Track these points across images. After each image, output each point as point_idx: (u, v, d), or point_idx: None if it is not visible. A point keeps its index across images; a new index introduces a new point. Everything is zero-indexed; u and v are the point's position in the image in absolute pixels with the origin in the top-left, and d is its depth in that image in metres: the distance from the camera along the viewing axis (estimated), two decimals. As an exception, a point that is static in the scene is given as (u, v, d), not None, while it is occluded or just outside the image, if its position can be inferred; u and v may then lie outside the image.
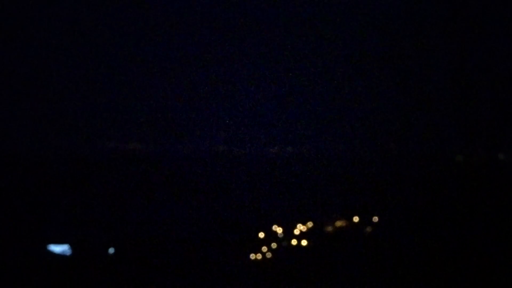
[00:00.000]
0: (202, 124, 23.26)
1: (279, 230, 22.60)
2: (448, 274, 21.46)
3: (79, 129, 22.72)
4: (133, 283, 21.91)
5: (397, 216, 22.91)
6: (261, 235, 22.49)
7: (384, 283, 21.89)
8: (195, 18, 22.99)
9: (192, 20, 23.00)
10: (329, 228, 22.69)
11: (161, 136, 23.25)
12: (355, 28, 23.82)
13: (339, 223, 22.73)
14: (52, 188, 23.11)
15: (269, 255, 22.36)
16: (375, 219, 22.70)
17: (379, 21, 23.72)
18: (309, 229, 22.67)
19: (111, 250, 22.32)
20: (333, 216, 22.78)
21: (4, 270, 21.65)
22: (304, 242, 22.47)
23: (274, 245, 22.46)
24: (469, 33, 23.62)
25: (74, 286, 21.91)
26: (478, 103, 23.96)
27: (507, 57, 22.64)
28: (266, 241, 22.41)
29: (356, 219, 22.74)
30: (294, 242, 22.52)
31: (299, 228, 22.65)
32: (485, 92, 23.84)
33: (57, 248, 22.24)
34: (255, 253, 22.26)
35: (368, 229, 22.69)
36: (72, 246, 22.28)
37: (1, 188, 22.37)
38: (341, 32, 23.70)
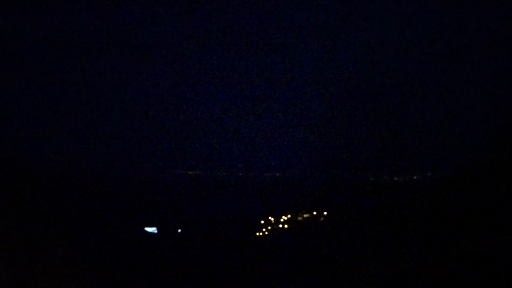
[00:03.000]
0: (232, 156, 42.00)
1: (272, 219, 40.81)
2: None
3: (157, 160, 41.49)
4: (189, 250, 39.89)
5: (338, 213, 41.12)
6: (262, 221, 40.65)
7: (332, 249, 39.81)
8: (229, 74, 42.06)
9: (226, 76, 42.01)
10: (299, 218, 40.96)
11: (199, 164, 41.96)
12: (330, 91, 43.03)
13: (305, 215, 41.00)
14: (145, 201, 41.52)
15: (266, 233, 40.44)
16: (325, 213, 40.94)
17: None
18: (288, 218, 40.93)
19: (179, 230, 40.51)
20: (301, 211, 41.09)
21: (120, 243, 39.69)
22: (286, 225, 40.67)
23: (269, 227, 40.58)
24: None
25: (158, 251, 39.84)
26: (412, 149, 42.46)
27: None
28: (265, 225, 40.56)
29: (314, 213, 40.99)
30: (280, 225, 40.71)
31: (283, 218, 40.89)
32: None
33: (150, 229, 40.44)
34: (259, 232, 40.33)
35: (321, 218, 40.89)
36: (158, 228, 40.50)
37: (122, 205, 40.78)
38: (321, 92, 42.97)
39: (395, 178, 41.76)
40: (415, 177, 41.74)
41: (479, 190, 31.95)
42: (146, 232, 40.46)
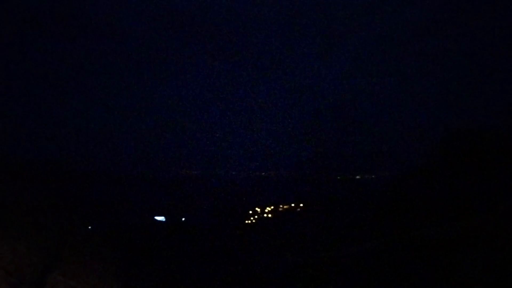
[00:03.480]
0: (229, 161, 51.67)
1: (258, 209, 50.57)
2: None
3: (165, 162, 51.08)
4: (192, 234, 49.47)
5: (312, 204, 50.92)
6: (250, 212, 50.39)
7: (305, 233, 49.63)
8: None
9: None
10: (280, 209, 50.76)
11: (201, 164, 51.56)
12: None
13: (285, 206, 50.80)
14: (156, 195, 51.03)
15: (254, 220, 50.17)
16: (301, 205, 50.75)
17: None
18: (271, 209, 50.70)
19: (183, 219, 50.14)
20: (282, 204, 50.87)
21: (135, 229, 49.16)
22: (269, 215, 50.44)
23: (256, 216, 50.32)
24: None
25: (166, 236, 49.41)
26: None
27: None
28: (252, 214, 50.29)
29: (292, 205, 50.80)
30: (265, 215, 50.46)
31: (267, 209, 50.65)
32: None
33: (159, 218, 50.02)
34: (248, 220, 50.06)
35: (298, 209, 50.70)
36: (166, 218, 50.07)
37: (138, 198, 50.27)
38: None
39: (357, 177, 51.70)
40: (373, 176, 51.75)
41: (424, 186, 42.00)
42: (156, 220, 50.09)
